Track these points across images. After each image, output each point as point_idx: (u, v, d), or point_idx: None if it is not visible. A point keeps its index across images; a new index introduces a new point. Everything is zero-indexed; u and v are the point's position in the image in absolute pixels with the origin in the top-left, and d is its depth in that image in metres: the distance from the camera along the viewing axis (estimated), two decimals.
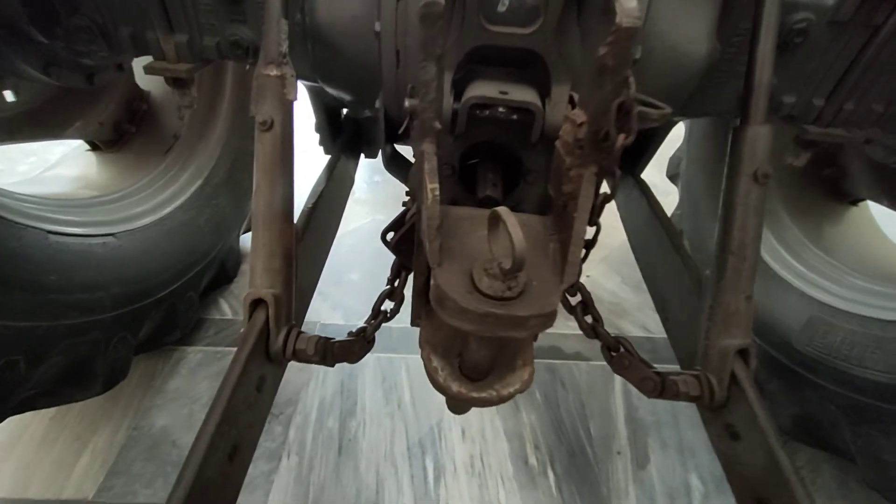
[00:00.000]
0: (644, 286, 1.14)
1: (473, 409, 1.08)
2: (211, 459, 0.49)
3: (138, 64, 0.86)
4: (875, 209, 1.19)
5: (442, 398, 1.08)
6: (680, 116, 0.83)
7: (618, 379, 1.12)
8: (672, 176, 1.46)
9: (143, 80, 1.19)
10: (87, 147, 1.14)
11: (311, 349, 0.64)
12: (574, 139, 0.45)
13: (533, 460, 0.96)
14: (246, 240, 1.43)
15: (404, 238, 0.69)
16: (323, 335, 0.66)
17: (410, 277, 0.72)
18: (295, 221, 0.65)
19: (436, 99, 0.43)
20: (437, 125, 0.45)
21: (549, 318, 0.44)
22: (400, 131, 0.57)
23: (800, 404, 0.88)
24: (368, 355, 1.18)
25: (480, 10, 0.51)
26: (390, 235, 0.73)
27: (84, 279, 0.78)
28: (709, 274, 0.65)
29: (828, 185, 1.16)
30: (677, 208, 1.41)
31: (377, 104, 0.69)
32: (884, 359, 0.75)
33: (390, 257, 1.50)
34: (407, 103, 0.52)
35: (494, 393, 0.54)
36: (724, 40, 0.65)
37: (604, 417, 1.04)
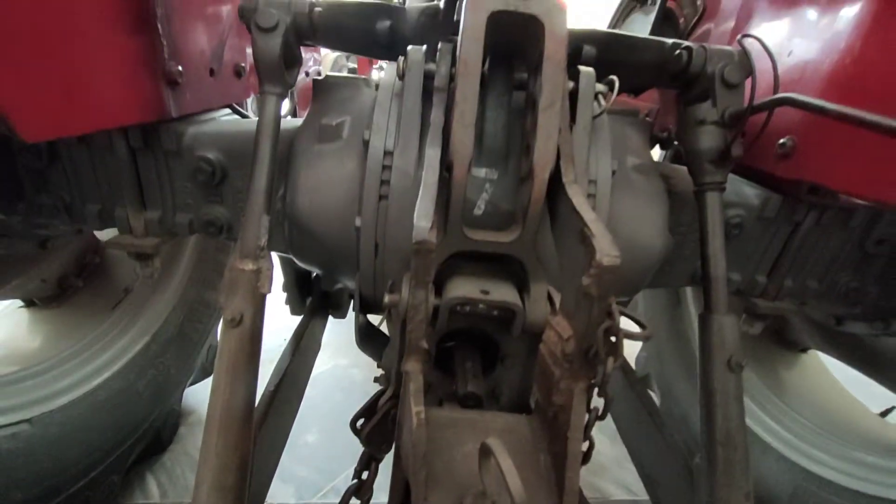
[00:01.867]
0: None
1: None
2: None
3: None
4: None
5: None
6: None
7: None
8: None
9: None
10: (20, 304, 1.04)
11: None
12: (561, 353, 0.45)
13: None
14: (189, 394, 1.28)
15: (376, 428, 0.63)
16: None
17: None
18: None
19: (423, 322, 0.43)
20: (425, 345, 0.44)
21: None
22: (378, 324, 0.55)
23: None
24: None
25: (462, 219, 0.54)
26: (360, 423, 0.67)
27: None
28: (699, 462, 0.62)
29: (775, 335, 1.24)
30: (641, 350, 1.43)
31: (352, 285, 0.69)
32: None
33: (352, 410, 1.37)
34: (387, 298, 0.52)
35: None
36: (672, 229, 0.73)
37: None
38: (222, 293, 0.55)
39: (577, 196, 0.51)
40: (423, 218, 0.42)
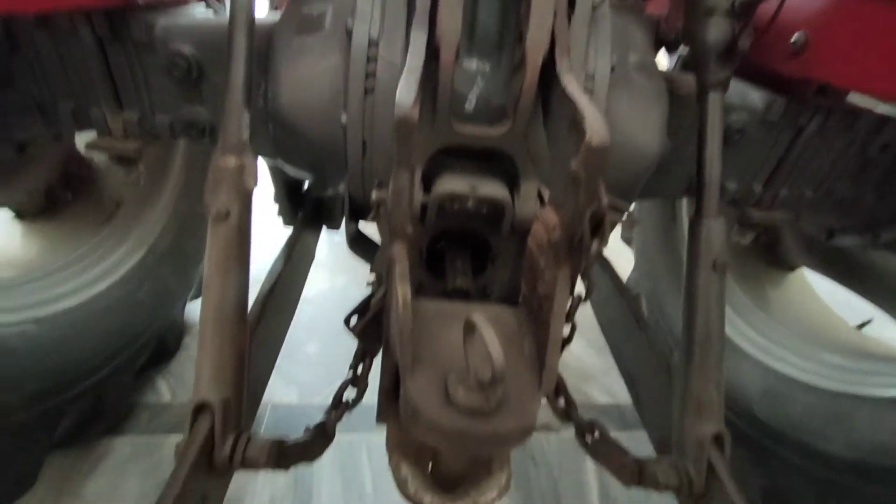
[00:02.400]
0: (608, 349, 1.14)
1: None
2: None
3: None
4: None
5: None
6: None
7: None
8: (626, 239, 1.53)
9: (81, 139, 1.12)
10: (12, 215, 1.03)
11: (264, 456, 0.57)
12: (547, 241, 0.45)
13: None
14: (191, 310, 1.32)
15: (369, 324, 0.66)
16: (279, 424, 0.60)
17: (375, 362, 0.68)
18: (249, 307, 0.61)
19: (408, 204, 0.42)
20: (409, 229, 0.44)
21: (529, 431, 0.42)
22: (368, 218, 0.55)
23: (768, 476, 0.89)
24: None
25: (451, 110, 0.52)
26: (354, 321, 0.69)
27: None
28: (677, 359, 0.65)
29: (765, 253, 1.25)
30: (633, 270, 1.46)
31: (341, 188, 0.68)
32: (843, 432, 0.77)
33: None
34: (374, 195, 0.51)
35: (472, 502, 0.50)
36: (671, 133, 0.70)
37: (577, 495, 1.00)
38: (207, 192, 0.54)
39: (570, 83, 0.49)
40: (405, 95, 0.40)
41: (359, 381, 0.70)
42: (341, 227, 1.03)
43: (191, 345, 1.29)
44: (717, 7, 0.60)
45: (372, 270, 0.73)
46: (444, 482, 0.51)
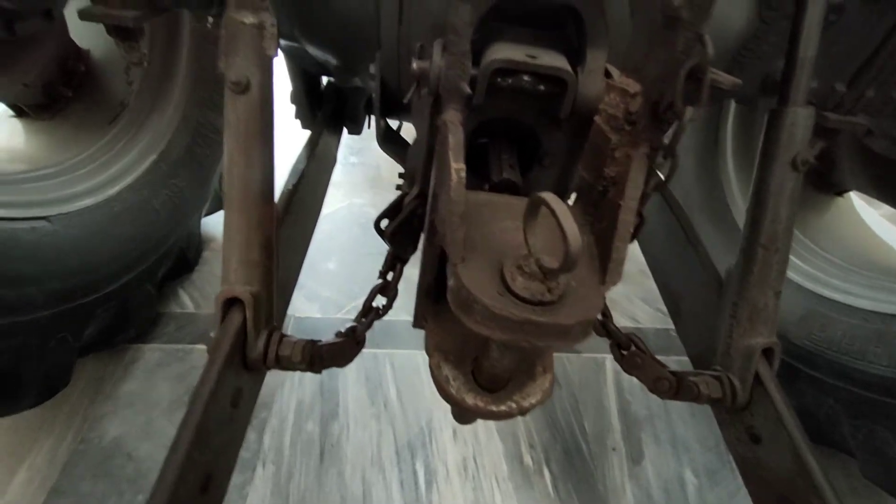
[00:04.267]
0: (632, 275, 1.09)
1: None
2: (181, 493, 0.40)
3: (73, 16, 0.71)
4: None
5: (431, 395, 1.01)
6: None
7: (609, 372, 1.09)
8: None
9: (82, 37, 1.02)
10: (12, 113, 0.97)
11: (297, 355, 0.55)
12: (624, 113, 0.38)
13: (528, 460, 0.91)
14: (208, 223, 1.29)
15: (401, 227, 0.61)
16: (304, 336, 0.57)
17: (406, 270, 0.64)
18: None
19: (467, 53, 0.35)
20: (466, 88, 0.37)
21: (591, 325, 0.38)
22: (406, 99, 0.48)
23: (795, 397, 0.88)
24: None
25: None
26: (385, 223, 0.64)
27: (7, 271, 0.65)
28: (732, 269, 0.60)
29: (814, 176, 1.16)
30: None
31: (371, 69, 0.60)
32: (887, 353, 0.74)
33: (369, 244, 1.41)
34: (415, 65, 0.43)
35: (514, 405, 0.48)
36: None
37: (597, 413, 1.01)
38: (221, 53, 0.47)
39: None
40: None
41: (389, 289, 0.66)
42: (362, 131, 0.96)
43: (210, 259, 1.27)
44: None
45: (405, 168, 0.67)
46: (485, 384, 0.49)
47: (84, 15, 0.60)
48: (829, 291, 0.89)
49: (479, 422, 0.97)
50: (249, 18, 0.45)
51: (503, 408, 0.47)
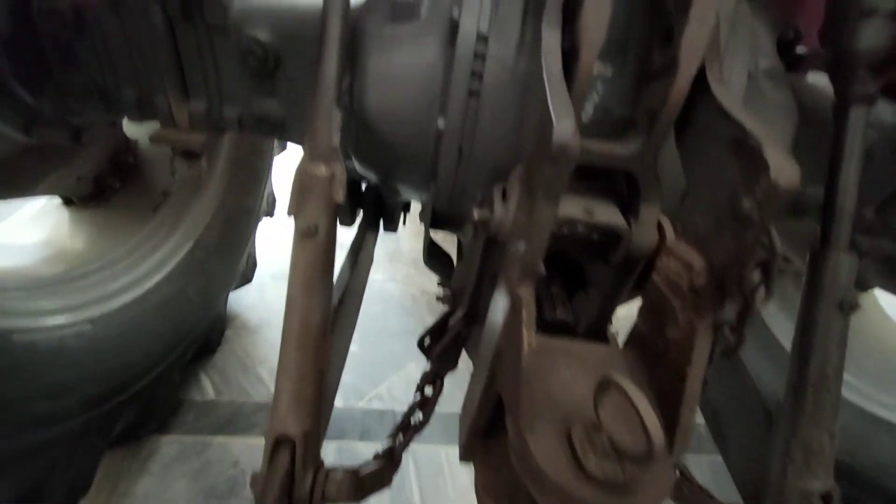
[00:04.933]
0: None
1: None
2: None
3: None
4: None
5: (455, 495, 0.96)
6: None
7: None
8: None
9: (130, 128, 1.08)
10: (59, 201, 1.00)
11: (343, 492, 0.53)
12: (689, 284, 0.39)
13: None
14: (232, 301, 1.29)
15: (447, 347, 0.61)
16: (349, 468, 0.56)
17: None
18: None
19: (545, 242, 0.36)
20: (542, 270, 0.38)
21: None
22: (460, 235, 0.49)
23: None
24: (370, 447, 1.06)
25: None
26: (428, 342, 0.64)
27: (52, 383, 0.64)
28: (782, 404, 0.59)
29: None
30: None
31: (411, 197, 0.62)
32: None
33: (389, 324, 1.39)
34: (476, 214, 0.45)
35: None
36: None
37: None
38: (292, 201, 0.49)
39: (725, 96, 0.42)
40: (563, 116, 0.33)
41: (426, 405, 0.65)
42: (398, 229, 0.98)
43: (232, 338, 1.26)
44: (880, 8, 0.52)
45: (449, 286, 0.68)
46: None
47: (155, 139, 0.64)
48: (869, 404, 0.86)
49: None
50: (322, 171, 0.48)
51: None
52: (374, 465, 0.60)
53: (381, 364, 1.25)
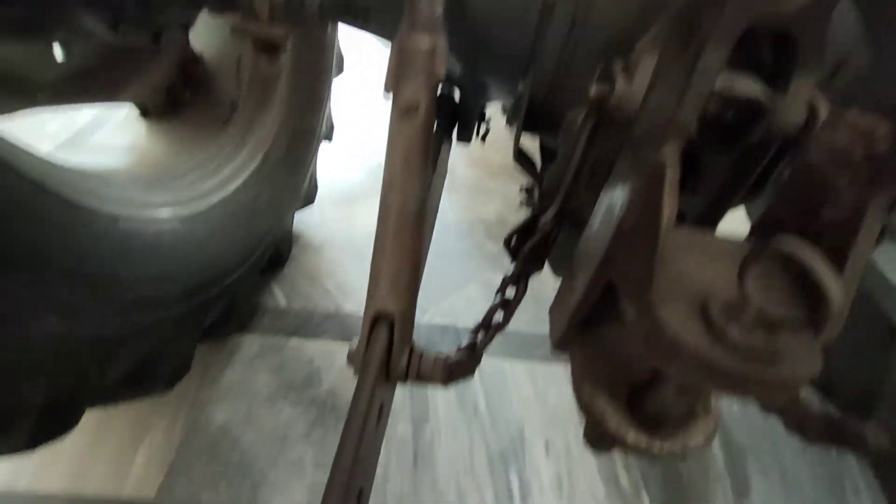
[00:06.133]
0: None
1: (555, 420, 1.00)
2: None
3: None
4: None
5: (520, 407, 0.99)
6: None
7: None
8: None
9: (197, 43, 1.07)
10: (138, 113, 1.03)
11: (438, 372, 0.56)
12: (864, 152, 0.35)
13: (625, 481, 0.89)
14: (296, 221, 1.33)
15: (535, 247, 0.60)
16: (439, 354, 0.58)
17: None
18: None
19: (706, 95, 0.33)
20: (694, 127, 0.35)
21: (809, 379, 0.35)
22: (580, 120, 0.46)
23: None
24: None
25: None
26: (514, 242, 0.63)
27: (153, 270, 0.69)
28: None
29: None
30: None
31: (519, 87, 0.58)
32: None
33: (450, 247, 1.39)
34: (594, 91, 0.42)
35: (679, 445, 0.46)
36: None
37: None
38: (389, 77, 0.47)
39: None
40: None
41: (509, 306, 0.66)
42: (470, 140, 0.95)
43: (298, 255, 1.32)
44: None
45: (542, 186, 0.66)
46: (647, 420, 0.47)
47: (237, 29, 0.62)
48: None
49: (572, 438, 0.95)
50: (424, 43, 0.45)
51: (667, 447, 0.45)
52: (459, 355, 0.62)
53: (442, 284, 1.27)
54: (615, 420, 0.47)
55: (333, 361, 1.06)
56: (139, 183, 0.78)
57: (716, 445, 0.95)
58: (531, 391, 1.02)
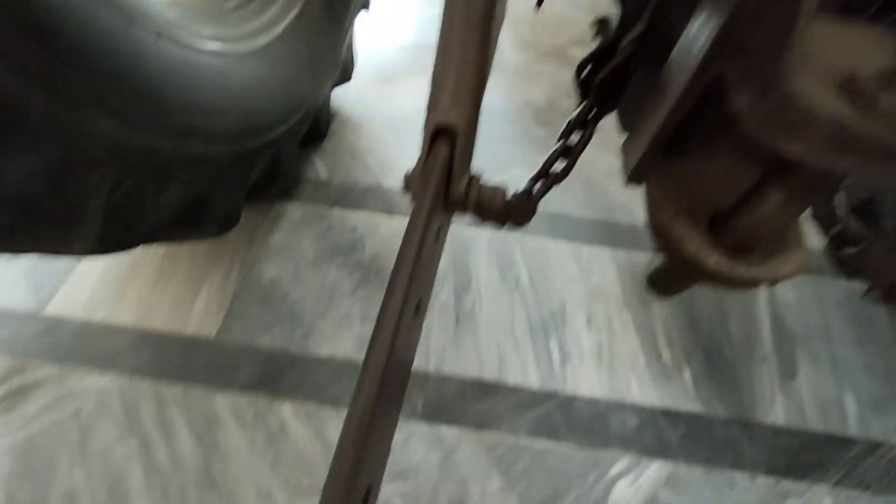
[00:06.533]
0: None
1: (598, 296, 0.98)
2: (404, 318, 0.40)
3: None
4: None
5: (563, 284, 0.97)
6: None
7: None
8: None
9: None
10: None
11: (497, 204, 0.53)
12: None
13: (666, 356, 0.89)
14: (336, 96, 1.27)
15: (613, 74, 0.53)
16: (499, 186, 0.55)
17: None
18: None
19: None
20: None
21: None
22: None
23: None
24: (479, 233, 1.08)
25: None
26: (586, 72, 0.56)
27: (206, 102, 0.66)
28: None
29: None
30: None
31: None
32: None
33: (496, 130, 1.31)
34: None
35: (766, 271, 0.42)
36: None
37: (745, 321, 0.94)
38: None
39: None
40: None
41: (571, 153, 0.60)
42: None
43: (338, 131, 1.27)
44: None
45: (624, 8, 0.56)
46: (730, 245, 0.43)
47: None
48: None
49: (614, 312, 0.94)
50: None
51: (753, 272, 0.42)
52: (513, 199, 0.58)
53: (487, 165, 1.22)
54: (695, 244, 0.44)
55: (377, 230, 1.05)
56: (195, 13, 0.72)
57: (765, 328, 0.92)
58: (575, 269, 1.00)
